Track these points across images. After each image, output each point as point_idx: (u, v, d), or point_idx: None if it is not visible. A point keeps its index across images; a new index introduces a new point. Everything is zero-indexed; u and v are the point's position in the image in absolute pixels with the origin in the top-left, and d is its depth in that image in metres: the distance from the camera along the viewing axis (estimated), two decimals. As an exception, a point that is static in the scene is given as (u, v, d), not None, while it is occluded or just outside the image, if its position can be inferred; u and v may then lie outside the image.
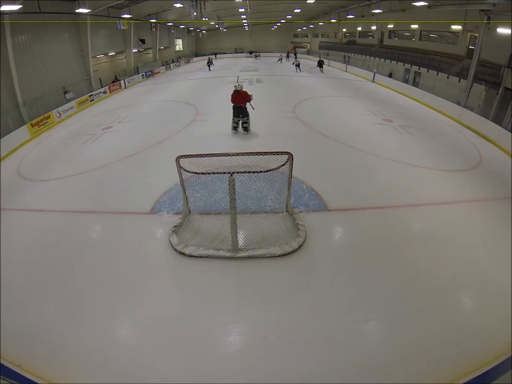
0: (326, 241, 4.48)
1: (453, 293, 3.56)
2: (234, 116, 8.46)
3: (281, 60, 29.85)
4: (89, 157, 7.83)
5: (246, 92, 8.26)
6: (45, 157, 8.46)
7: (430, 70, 15.57)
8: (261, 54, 36.02)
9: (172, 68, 28.35)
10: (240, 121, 8.46)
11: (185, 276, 3.93)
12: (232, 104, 8.27)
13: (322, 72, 21.23)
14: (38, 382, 2.64)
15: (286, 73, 20.83)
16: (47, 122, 11.56)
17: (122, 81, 19.14)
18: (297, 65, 22.22)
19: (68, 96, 14.71)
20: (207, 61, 26.10)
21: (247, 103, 8.26)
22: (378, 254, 4.15)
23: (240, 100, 8.06)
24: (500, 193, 5.68)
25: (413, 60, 17.59)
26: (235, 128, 8.60)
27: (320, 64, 21.66)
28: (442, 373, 2.73)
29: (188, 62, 32.83)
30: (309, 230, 4.52)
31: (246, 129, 8.53)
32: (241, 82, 8.52)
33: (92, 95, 15.52)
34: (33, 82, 13.06)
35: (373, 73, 18.79)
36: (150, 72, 23.34)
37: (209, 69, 24.58)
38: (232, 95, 8.20)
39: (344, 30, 30.46)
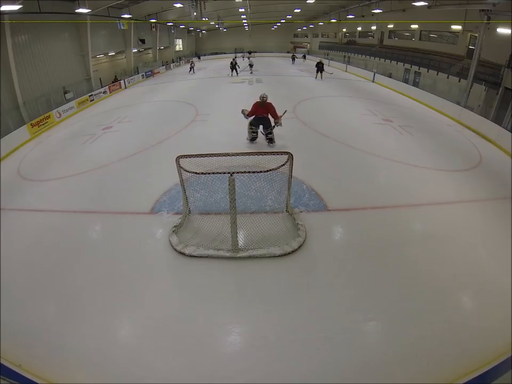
0: (326, 241, 4.47)
1: (453, 293, 3.56)
2: (253, 125, 7.28)
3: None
4: (89, 157, 7.83)
5: (271, 104, 7.01)
6: (45, 157, 8.46)
7: (430, 70, 15.58)
8: (256, 54, 34.64)
9: (172, 67, 28.36)
10: (262, 132, 7.30)
11: (185, 276, 3.93)
12: (253, 116, 7.14)
13: (321, 78, 17.68)
14: (38, 382, 2.64)
15: (286, 73, 20.82)
16: (47, 122, 11.56)
17: (122, 81, 19.14)
18: (250, 66, 19.27)
19: (68, 96, 14.72)
20: (232, 62, 20.12)
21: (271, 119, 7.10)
22: (378, 254, 4.15)
23: (264, 111, 6.96)
24: (500, 193, 5.68)
25: (413, 60, 17.59)
26: (254, 139, 7.44)
27: (320, 68, 17.62)
28: (442, 373, 2.73)
29: (188, 61, 32.79)
30: (309, 230, 4.52)
31: (271, 140, 7.27)
32: (266, 93, 7.10)
33: (92, 95, 15.53)
34: (33, 82, 13.06)
35: (373, 73, 18.80)
36: (150, 72, 23.35)
37: (237, 73, 19.72)
38: (255, 106, 7.03)
39: (344, 30, 30.49)
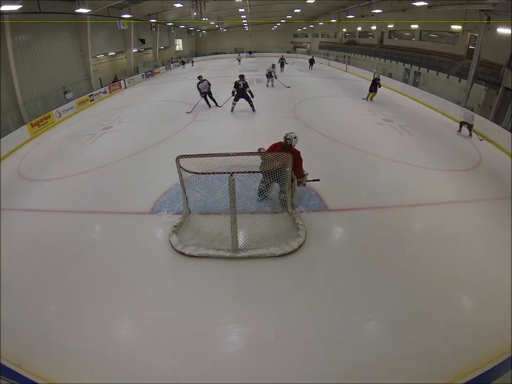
0: (326, 241, 4.47)
1: (453, 293, 3.56)
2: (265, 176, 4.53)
3: None
4: (89, 157, 7.83)
5: (298, 154, 4.44)
6: (45, 157, 8.46)
7: (430, 70, 15.58)
8: (256, 54, 34.85)
9: (171, 68, 28.39)
10: (274, 190, 4.93)
11: (185, 276, 3.93)
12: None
13: (371, 100, 12.64)
14: (38, 382, 2.64)
15: (286, 73, 20.81)
16: (47, 122, 11.56)
17: (122, 81, 19.15)
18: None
19: (68, 96, 14.74)
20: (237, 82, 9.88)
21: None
22: (378, 254, 4.14)
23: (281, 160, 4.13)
24: (500, 193, 5.68)
25: (413, 60, 17.60)
26: (262, 195, 4.94)
27: (376, 84, 12.29)
28: (442, 373, 2.73)
29: (188, 61, 32.82)
30: (309, 230, 4.51)
31: (285, 207, 4.65)
32: (294, 134, 4.60)
33: (92, 95, 15.54)
34: (33, 82, 13.08)
35: (373, 73, 18.79)
36: (150, 72, 23.36)
37: (252, 107, 10.24)
38: (274, 147, 4.65)
39: (344, 30, 30.50)
